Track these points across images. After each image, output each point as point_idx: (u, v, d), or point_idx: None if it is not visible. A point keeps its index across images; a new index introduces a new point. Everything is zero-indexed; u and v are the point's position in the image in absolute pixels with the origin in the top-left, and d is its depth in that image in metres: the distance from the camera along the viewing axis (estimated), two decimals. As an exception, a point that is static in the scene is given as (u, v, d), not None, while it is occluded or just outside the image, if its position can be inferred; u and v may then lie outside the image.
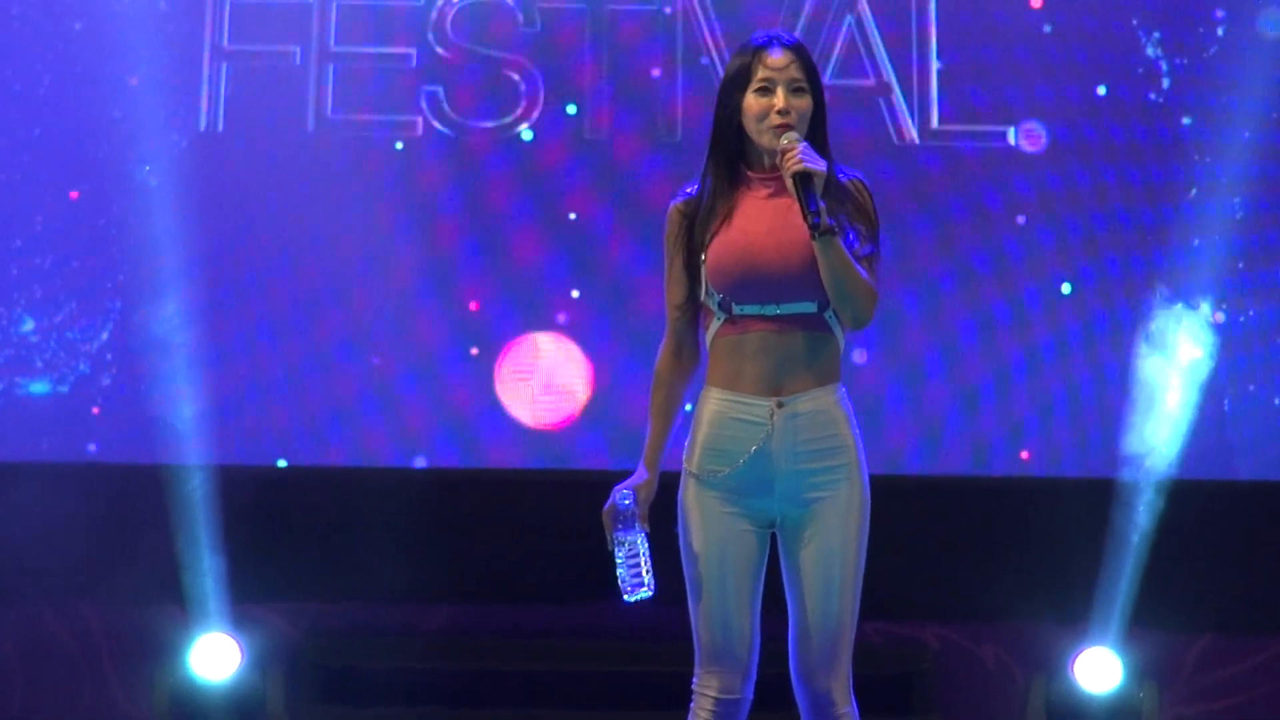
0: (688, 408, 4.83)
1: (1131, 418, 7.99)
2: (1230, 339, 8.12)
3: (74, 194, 8.19)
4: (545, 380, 8.13)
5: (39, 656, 8.06)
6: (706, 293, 4.72)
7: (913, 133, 8.23)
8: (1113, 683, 7.74)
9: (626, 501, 4.68)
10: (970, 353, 8.13)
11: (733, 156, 4.76)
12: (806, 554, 4.65)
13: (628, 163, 8.22)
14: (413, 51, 8.29)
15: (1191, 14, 8.26)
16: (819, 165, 4.55)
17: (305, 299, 8.16)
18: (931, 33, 8.27)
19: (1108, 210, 8.19)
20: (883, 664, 7.79)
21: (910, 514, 7.74)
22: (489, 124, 8.26)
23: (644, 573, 4.64)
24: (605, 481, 4.96)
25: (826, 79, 5.34)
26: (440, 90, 8.26)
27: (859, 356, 7.97)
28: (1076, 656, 7.77)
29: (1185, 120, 8.22)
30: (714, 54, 8.19)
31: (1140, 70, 8.26)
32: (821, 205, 4.50)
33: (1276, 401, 8.14)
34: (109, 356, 8.12)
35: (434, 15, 8.28)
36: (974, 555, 8.03)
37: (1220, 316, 8.09)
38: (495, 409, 8.11)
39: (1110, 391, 8.05)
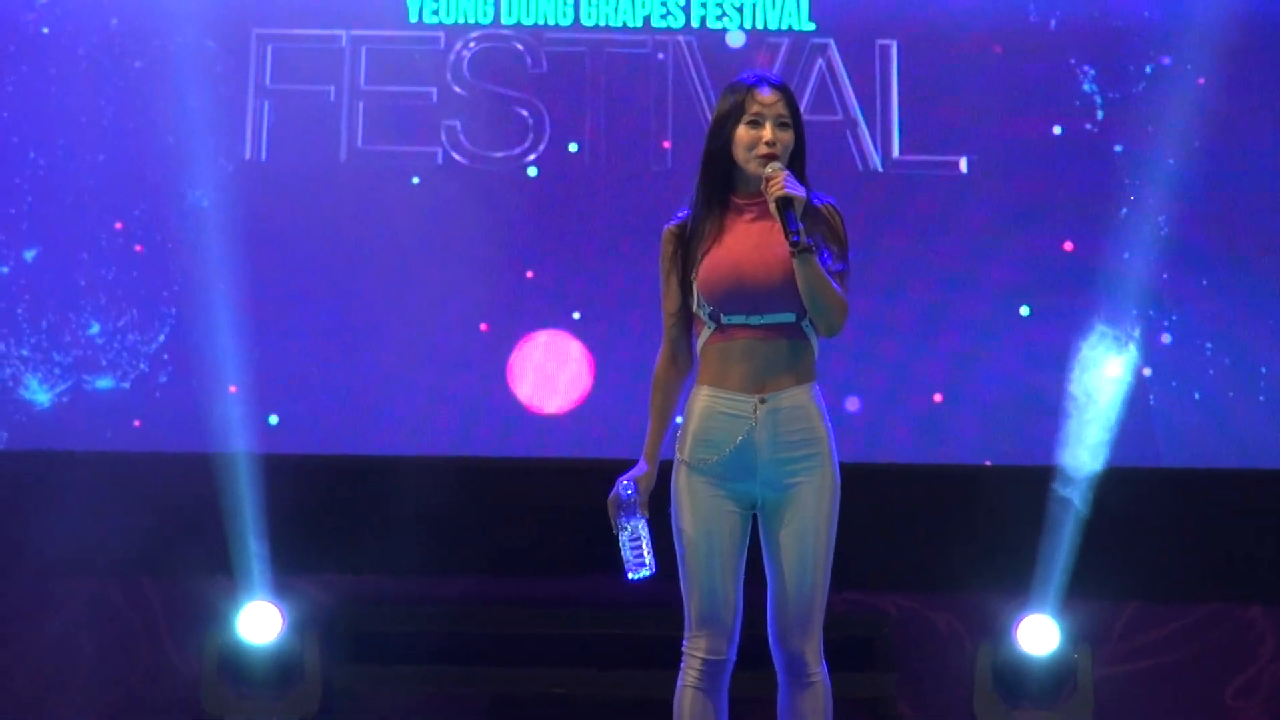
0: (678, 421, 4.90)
1: (1069, 412, 8.02)
2: (1155, 340, 8.14)
3: (134, 212, 8.21)
4: (554, 377, 8.15)
5: (104, 623, 8.05)
6: (698, 305, 4.76)
7: (876, 161, 8.28)
8: (1051, 646, 7.72)
9: (628, 491, 4.75)
10: (930, 356, 8.16)
11: (722, 183, 4.80)
12: (784, 532, 4.71)
13: (622, 188, 8.27)
14: (433, 90, 8.31)
15: (1123, 54, 8.28)
16: (799, 191, 4.61)
17: (337, 308, 8.13)
18: (893, 74, 8.28)
19: (1049, 226, 8.21)
20: (849, 628, 7.69)
21: (876, 498, 7.79)
22: (500, 154, 8.32)
23: (645, 554, 4.72)
24: (605, 468, 5.03)
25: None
26: (458, 124, 8.32)
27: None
28: (1019, 623, 7.75)
29: (1117, 148, 8.26)
30: (700, 93, 8.23)
31: (1078, 103, 8.29)
32: (800, 226, 4.57)
33: (1195, 396, 8.16)
34: (165, 356, 8.11)
35: (452, 58, 8.31)
36: (930, 534, 8.00)
37: (1147, 320, 8.12)
38: (508, 403, 8.11)
39: (1050, 388, 8.07)
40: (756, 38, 8.28)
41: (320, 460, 8.05)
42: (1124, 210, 8.17)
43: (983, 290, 8.19)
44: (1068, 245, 8.18)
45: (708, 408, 4.74)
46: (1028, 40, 8.30)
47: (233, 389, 7.96)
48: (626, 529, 4.72)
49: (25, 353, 8.13)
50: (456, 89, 8.29)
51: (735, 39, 8.29)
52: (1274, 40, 8.30)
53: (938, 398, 8.14)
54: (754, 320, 4.71)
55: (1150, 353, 8.13)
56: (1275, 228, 8.24)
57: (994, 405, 8.11)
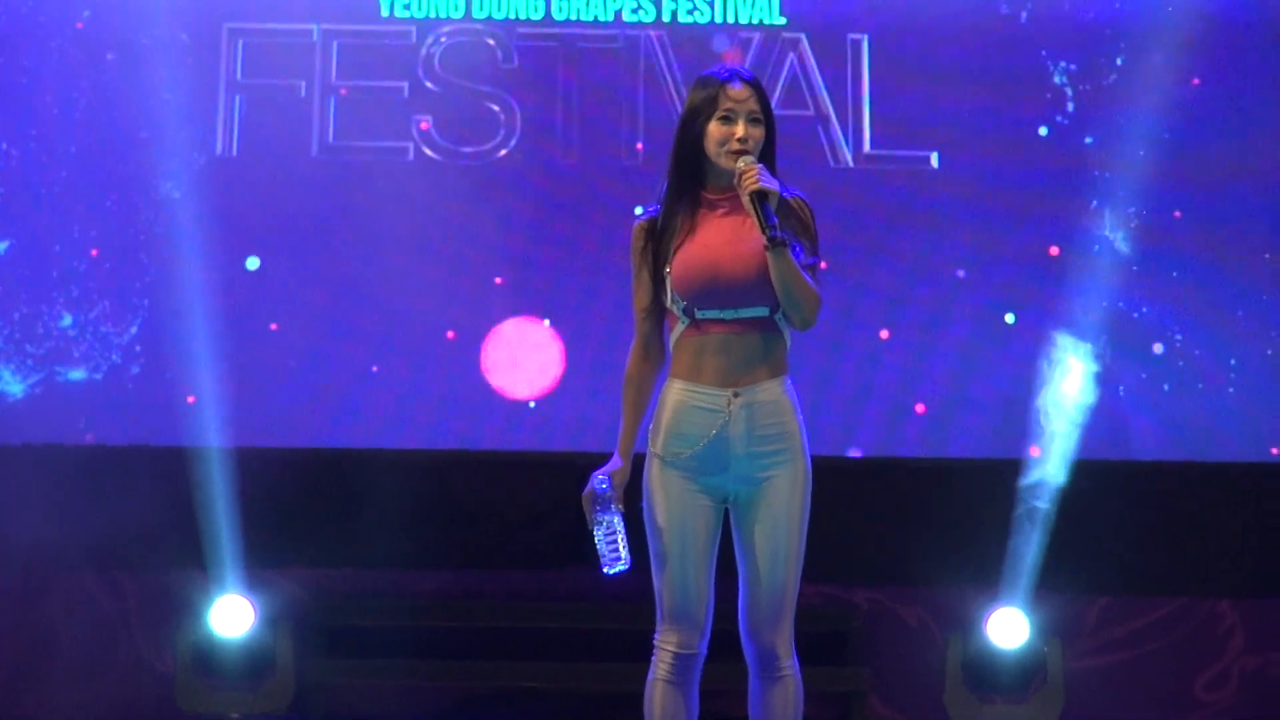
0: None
1: (1039, 405, 8.03)
2: (1125, 332, 8.15)
3: (106, 204, 8.20)
4: (524, 368, 8.14)
5: (79, 616, 8.05)
6: (671, 299, 4.74)
7: (847, 157, 8.29)
8: (1021, 639, 7.73)
9: (603, 486, 4.71)
10: (900, 350, 8.17)
11: (692, 177, 4.79)
12: (756, 526, 4.71)
13: (594, 181, 8.26)
14: (405, 85, 8.32)
15: (1094, 46, 8.30)
16: (774, 185, 4.61)
17: (309, 302, 8.16)
18: (864, 69, 8.32)
19: (1018, 217, 8.22)
20: (820, 622, 7.72)
21: (847, 491, 7.82)
22: (471, 149, 8.31)
23: (621, 548, 4.67)
24: (577, 462, 5.02)
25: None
26: (430, 119, 8.31)
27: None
28: (989, 616, 7.76)
29: (1087, 139, 8.28)
30: (672, 88, 8.24)
31: (1049, 96, 8.31)
32: (777, 220, 4.56)
33: (1165, 388, 8.19)
34: (138, 348, 8.12)
35: (424, 52, 8.31)
36: (901, 527, 8.00)
37: (1116, 312, 8.14)
38: (480, 397, 8.12)
39: (1020, 382, 8.09)
40: (728, 32, 8.29)
41: (293, 454, 8.03)
42: (1094, 202, 8.20)
43: (951, 284, 8.21)
44: (1039, 238, 8.20)
45: (681, 402, 4.72)
46: (999, 33, 8.33)
47: (206, 381, 7.94)
48: (602, 524, 4.68)
49: (-2, 344, 8.12)
50: (428, 84, 8.30)
51: (707, 33, 8.29)
52: (1242, 33, 8.32)
53: (908, 393, 8.15)
54: (728, 315, 4.69)
55: (1120, 345, 8.14)
56: (1244, 220, 8.26)
57: (964, 399, 8.13)
